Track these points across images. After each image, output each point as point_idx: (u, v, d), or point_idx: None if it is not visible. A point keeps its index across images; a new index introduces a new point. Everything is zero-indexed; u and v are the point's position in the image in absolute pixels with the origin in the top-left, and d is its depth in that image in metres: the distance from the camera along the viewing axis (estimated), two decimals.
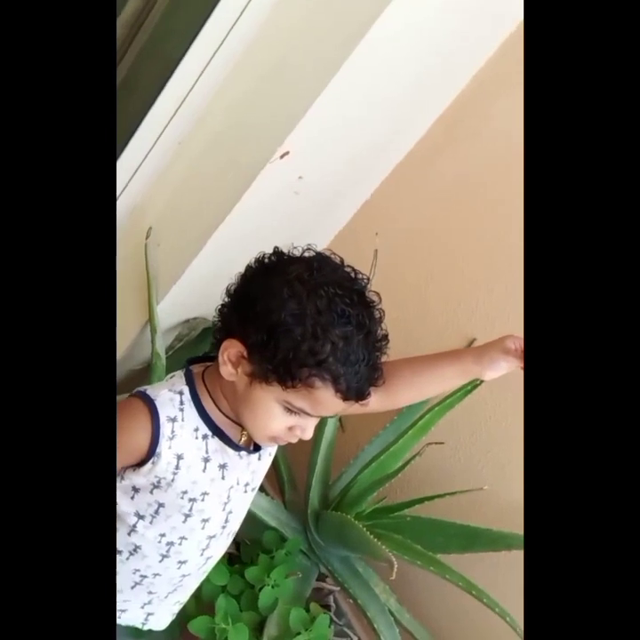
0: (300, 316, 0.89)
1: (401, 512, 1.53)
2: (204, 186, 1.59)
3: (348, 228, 1.79)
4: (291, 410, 0.93)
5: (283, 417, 0.94)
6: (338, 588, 1.61)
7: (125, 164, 1.59)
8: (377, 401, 1.14)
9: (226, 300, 0.98)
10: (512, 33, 1.53)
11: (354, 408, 1.16)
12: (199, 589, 1.37)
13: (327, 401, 0.92)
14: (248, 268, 0.97)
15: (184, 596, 1.18)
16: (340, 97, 1.43)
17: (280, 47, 1.47)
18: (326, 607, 1.58)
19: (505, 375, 1.41)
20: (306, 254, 0.97)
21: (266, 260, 0.97)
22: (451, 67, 1.57)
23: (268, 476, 1.67)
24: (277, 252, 0.97)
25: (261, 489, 1.58)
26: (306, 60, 1.45)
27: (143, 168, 1.61)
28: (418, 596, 1.64)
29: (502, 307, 1.59)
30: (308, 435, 0.97)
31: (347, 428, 1.75)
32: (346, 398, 0.92)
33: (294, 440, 0.98)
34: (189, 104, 1.53)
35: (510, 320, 1.55)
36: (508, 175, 1.55)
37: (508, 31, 1.54)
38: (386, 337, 0.97)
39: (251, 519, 1.47)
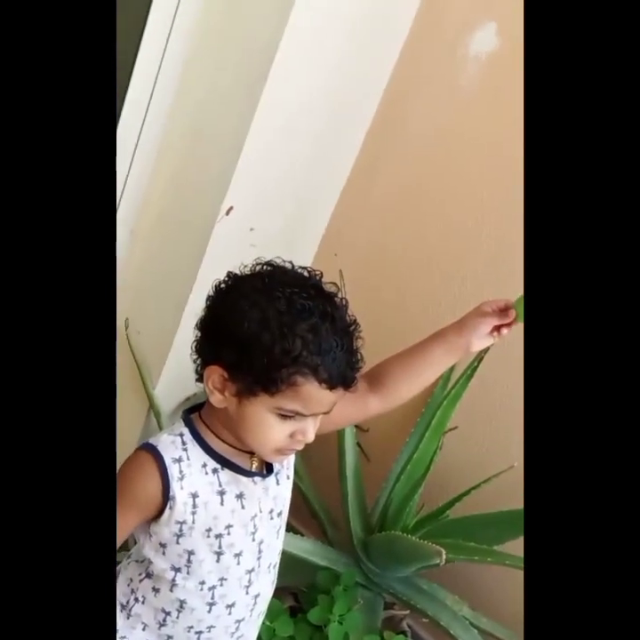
0: (263, 321, 0.91)
1: (444, 515, 1.51)
2: (164, 264, 1.65)
3: (315, 264, 1.83)
4: (285, 415, 0.95)
5: (280, 425, 0.95)
6: (407, 612, 1.58)
7: None
8: (379, 403, 1.16)
9: (197, 334, 1.02)
10: None
11: (357, 412, 1.18)
12: None
13: (315, 395, 0.93)
14: (208, 298, 1.01)
15: None
16: (264, 141, 1.50)
17: (192, 116, 1.55)
18: (402, 634, 1.54)
19: (502, 352, 1.44)
20: (257, 268, 1.00)
21: (222, 285, 1.00)
22: (363, 74, 1.64)
23: (306, 522, 1.67)
24: (230, 275, 1.01)
25: (302, 534, 1.58)
26: (219, 121, 1.52)
27: None
28: (489, 597, 1.60)
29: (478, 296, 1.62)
30: (310, 437, 0.98)
31: (371, 457, 1.75)
32: (331, 387, 0.93)
33: (299, 446, 0.99)
34: (130, 190, 1.60)
35: None
36: (453, 172, 1.61)
37: None
38: (355, 322, 0.99)
39: (300, 565, 1.46)
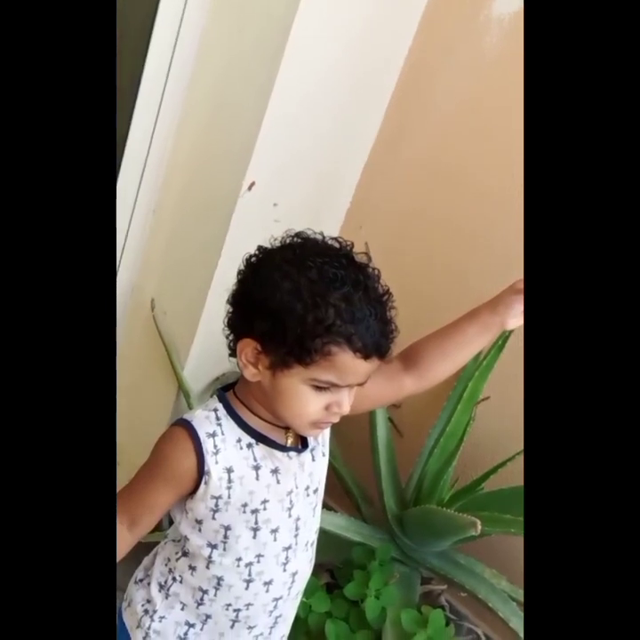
0: (295, 292, 0.90)
1: (479, 488, 1.49)
2: (188, 242, 1.63)
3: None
4: (320, 387, 0.93)
5: (315, 397, 0.94)
6: (445, 586, 1.56)
7: None
8: (413, 383, 1.14)
9: (228, 309, 1.00)
10: None
11: (392, 392, 1.16)
12: (305, 622, 1.34)
13: (349, 365, 0.91)
14: (239, 272, 1.00)
15: (286, 627, 1.15)
16: (285, 114, 1.48)
17: (213, 90, 1.52)
18: (440, 608, 1.53)
19: None
20: (287, 240, 0.99)
21: (252, 259, 0.99)
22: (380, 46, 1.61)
23: (340, 498, 1.66)
24: (260, 249, 0.99)
25: (336, 511, 1.57)
26: (239, 94, 1.50)
27: (128, 246, 1.66)
28: None
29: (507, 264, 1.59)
30: (346, 408, 0.96)
31: (404, 432, 1.73)
32: (366, 356, 0.91)
33: (335, 419, 0.97)
34: (150, 170, 1.58)
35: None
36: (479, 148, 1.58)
37: None
38: (388, 292, 0.97)
39: (335, 542, 1.45)
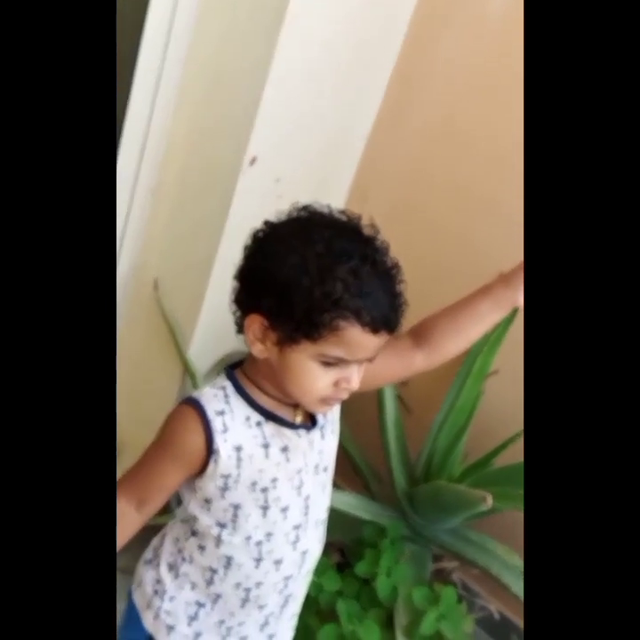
0: (302, 266, 0.88)
1: (490, 464, 1.48)
2: (189, 220, 1.61)
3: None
4: (329, 363, 0.91)
5: (324, 373, 0.92)
6: (457, 564, 1.55)
7: None
8: (424, 359, 1.13)
9: (235, 285, 0.98)
10: None
11: (401, 369, 1.14)
12: (316, 602, 1.33)
13: (358, 339, 0.90)
14: (245, 248, 0.98)
15: (296, 605, 1.14)
16: (285, 85, 1.44)
17: (211, 61, 1.49)
18: (452, 585, 1.52)
19: None
20: (294, 214, 0.97)
21: (259, 234, 0.97)
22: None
23: (348, 477, 1.64)
24: (266, 223, 0.97)
25: (345, 489, 1.55)
26: (238, 64, 1.46)
27: (129, 226, 1.63)
28: None
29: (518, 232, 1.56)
30: (355, 384, 0.94)
31: (412, 408, 1.71)
32: (375, 330, 0.90)
33: (344, 395, 0.96)
34: (149, 148, 1.55)
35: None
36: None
37: None
38: (397, 265, 0.95)
39: (345, 520, 1.44)
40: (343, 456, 1.61)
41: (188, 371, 1.63)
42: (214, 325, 1.64)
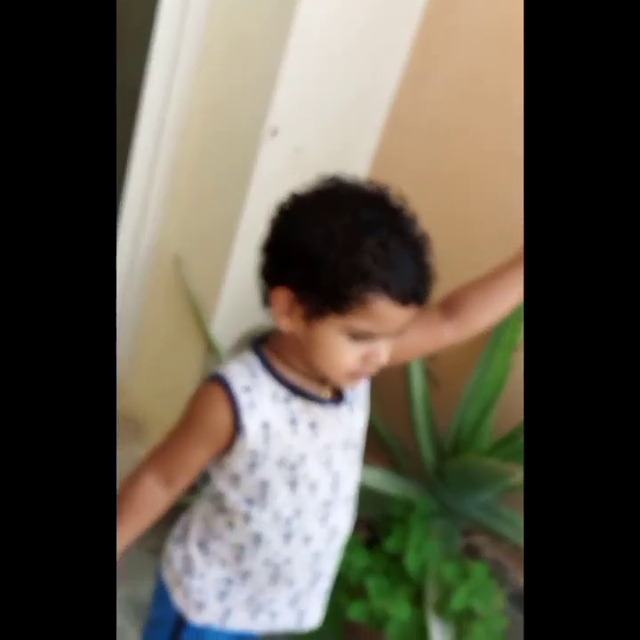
0: (329, 238, 0.86)
1: (519, 437, 1.45)
2: (210, 194, 1.58)
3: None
4: (356, 336, 0.89)
5: (352, 347, 0.90)
6: (487, 539, 1.53)
7: (131, 204, 1.60)
8: (454, 332, 1.10)
9: (261, 258, 0.96)
10: None
11: (431, 342, 1.12)
12: (346, 579, 1.32)
13: (386, 312, 0.87)
14: (271, 220, 0.95)
15: (325, 582, 1.13)
16: (303, 56, 1.41)
17: (228, 31, 1.46)
18: (482, 561, 1.51)
19: None
20: (320, 185, 0.94)
21: (285, 206, 0.94)
22: None
23: (376, 452, 1.63)
24: (292, 195, 0.95)
25: (372, 465, 1.54)
26: (256, 32, 1.43)
27: (149, 203, 1.62)
28: None
29: None
30: (384, 358, 0.92)
31: (440, 382, 1.68)
32: (404, 302, 0.87)
33: (373, 370, 0.94)
34: (169, 122, 1.53)
35: None
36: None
37: None
38: (425, 236, 0.93)
39: (373, 496, 1.42)
40: (370, 431, 1.59)
41: (211, 346, 1.62)
42: (237, 300, 1.63)
